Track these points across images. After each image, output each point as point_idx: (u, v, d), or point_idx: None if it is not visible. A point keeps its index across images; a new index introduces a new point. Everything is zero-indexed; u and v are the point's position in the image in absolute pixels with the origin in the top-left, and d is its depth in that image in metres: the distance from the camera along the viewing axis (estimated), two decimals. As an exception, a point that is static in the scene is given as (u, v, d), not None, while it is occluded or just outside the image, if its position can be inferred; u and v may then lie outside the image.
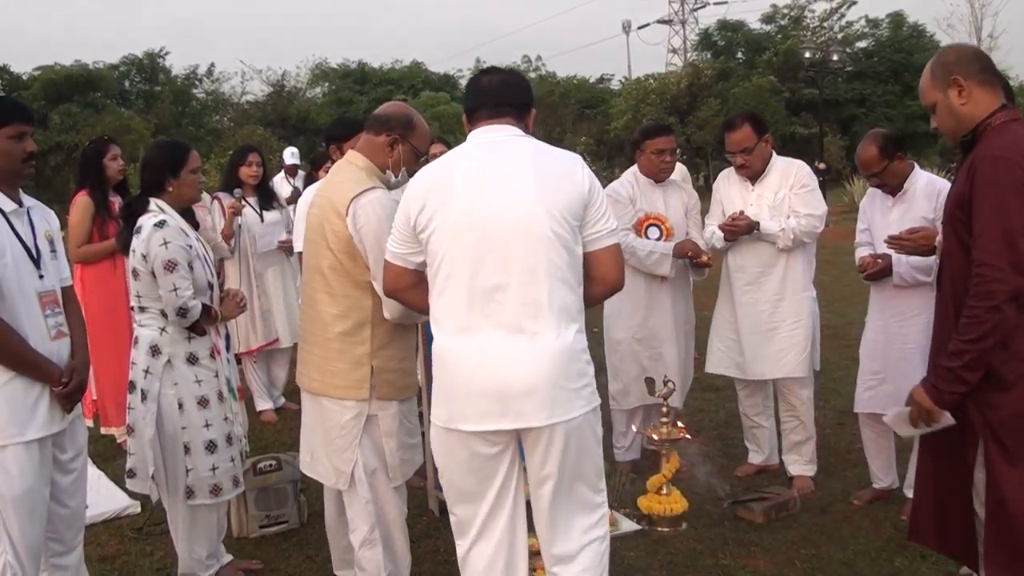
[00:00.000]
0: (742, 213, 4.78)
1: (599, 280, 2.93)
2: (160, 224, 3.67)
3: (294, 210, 6.79)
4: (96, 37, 71.55)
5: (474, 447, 2.85)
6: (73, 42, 66.79)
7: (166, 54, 38.11)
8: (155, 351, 3.69)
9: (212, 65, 40.38)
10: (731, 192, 4.96)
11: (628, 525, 4.43)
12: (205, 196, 6.46)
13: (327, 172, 4.35)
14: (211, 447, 3.74)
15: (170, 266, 3.62)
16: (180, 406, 3.70)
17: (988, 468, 2.84)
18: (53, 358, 3.17)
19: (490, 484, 2.89)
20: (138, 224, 3.74)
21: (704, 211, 5.17)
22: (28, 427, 3.08)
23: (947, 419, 2.89)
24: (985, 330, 2.74)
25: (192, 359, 3.74)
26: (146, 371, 3.68)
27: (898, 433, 3.09)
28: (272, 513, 4.58)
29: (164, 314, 3.71)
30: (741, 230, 4.75)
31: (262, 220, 6.38)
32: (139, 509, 4.82)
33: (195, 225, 5.36)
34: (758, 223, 4.72)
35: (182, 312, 3.65)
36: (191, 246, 3.74)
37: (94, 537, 4.52)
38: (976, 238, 2.77)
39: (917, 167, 4.43)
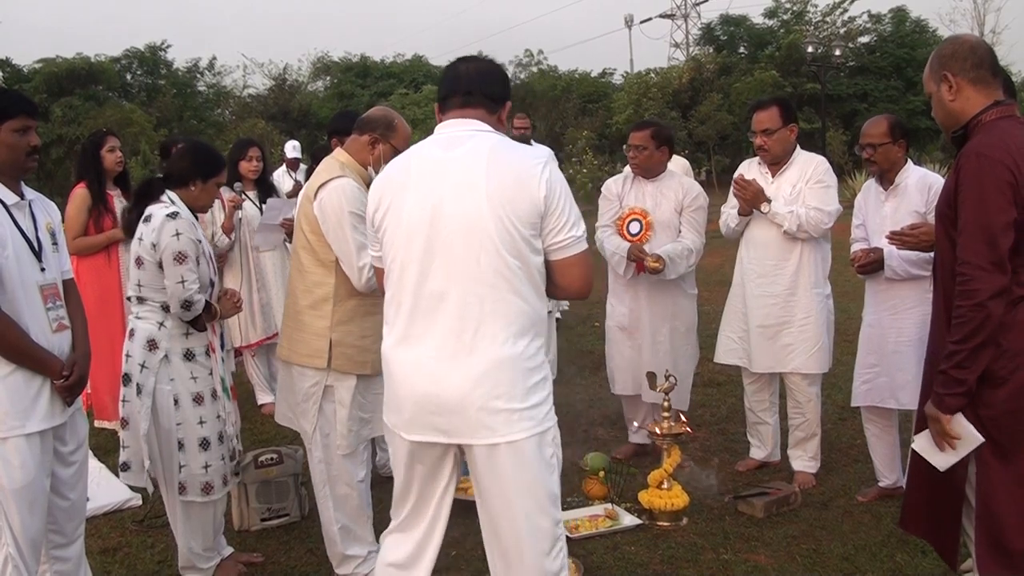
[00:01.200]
0: (754, 180, 4.80)
1: (563, 288, 2.81)
2: (173, 215, 3.69)
3: (296, 204, 6.77)
4: (98, 30, 71.37)
5: (414, 454, 2.81)
6: (75, 35, 66.73)
7: (168, 47, 37.96)
8: (152, 345, 3.70)
9: (214, 58, 40.31)
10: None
11: (629, 520, 4.44)
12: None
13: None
14: (204, 444, 3.77)
15: (180, 258, 3.64)
16: (176, 402, 3.72)
17: (979, 464, 2.86)
18: (55, 351, 3.17)
19: (423, 484, 2.85)
20: (148, 212, 3.74)
21: (714, 204, 5.17)
22: (29, 419, 3.08)
23: (971, 435, 2.81)
24: (971, 329, 2.74)
25: (189, 355, 3.76)
26: (142, 365, 3.68)
27: (933, 463, 2.94)
28: (273, 506, 4.59)
29: (164, 308, 3.72)
30: (749, 194, 4.75)
31: (262, 214, 6.36)
32: (140, 501, 4.82)
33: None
34: (768, 199, 4.73)
35: (187, 305, 3.66)
36: (200, 241, 3.76)
37: (95, 529, 4.53)
38: (959, 235, 2.79)
39: (910, 162, 4.46)
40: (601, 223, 5.34)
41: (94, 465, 5.29)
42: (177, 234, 3.65)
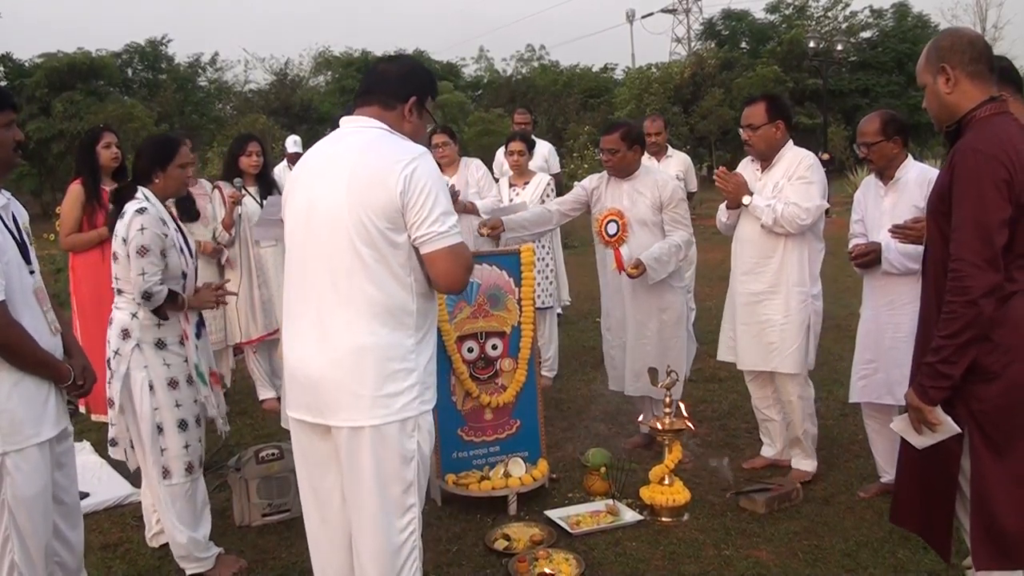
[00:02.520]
0: (737, 172, 4.84)
1: (434, 280, 2.84)
2: (141, 211, 3.87)
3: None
4: (99, 25, 71.41)
5: (305, 436, 2.92)
6: (76, 29, 66.64)
7: (169, 42, 37.98)
8: (125, 334, 3.87)
9: (216, 53, 40.37)
10: (745, 176, 4.94)
11: (630, 515, 4.43)
12: (206, 184, 6.45)
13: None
14: (183, 425, 3.92)
15: (142, 251, 3.81)
16: (151, 388, 3.86)
17: (973, 459, 2.86)
18: (55, 353, 3.12)
19: (318, 487, 2.94)
20: (124, 210, 3.93)
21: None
22: (43, 426, 3.03)
23: (949, 425, 2.85)
24: (961, 325, 2.74)
25: (160, 344, 3.92)
26: (116, 352, 3.88)
27: (910, 441, 3.03)
28: (275, 502, 4.58)
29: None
30: (731, 186, 4.77)
31: (263, 209, 6.35)
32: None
33: (195, 215, 5.43)
34: (751, 192, 4.73)
35: (146, 296, 3.82)
36: (167, 235, 3.91)
37: (96, 525, 4.53)
38: (954, 231, 2.77)
39: (910, 158, 4.44)
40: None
41: (95, 460, 5.31)
42: (142, 229, 3.82)
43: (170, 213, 4.08)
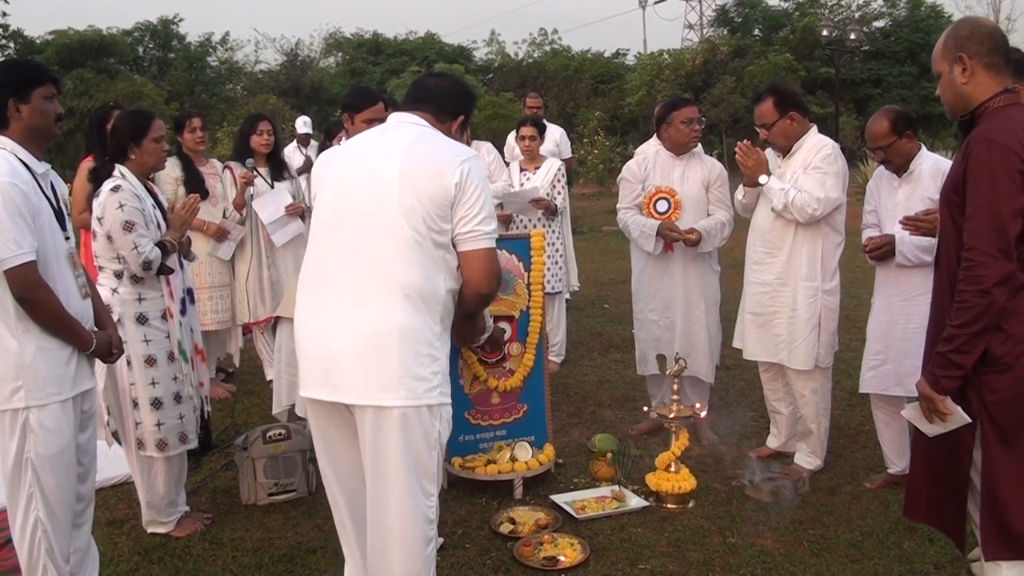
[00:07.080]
0: (759, 149, 4.78)
1: (467, 280, 2.87)
2: (115, 188, 3.92)
3: (307, 180, 6.75)
4: (110, 2, 71.13)
5: (323, 417, 2.94)
6: (87, 7, 66.42)
7: (180, 21, 38.00)
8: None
9: (226, 33, 40.34)
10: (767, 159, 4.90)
11: (636, 502, 4.43)
12: (217, 164, 6.44)
13: (340, 142, 4.39)
14: (156, 404, 3.99)
15: (128, 226, 3.87)
16: (128, 363, 3.94)
17: (984, 449, 2.86)
18: (83, 317, 3.28)
19: (338, 467, 2.98)
20: (99, 189, 4.00)
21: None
22: (65, 385, 3.20)
23: (959, 414, 2.85)
24: (974, 315, 2.74)
25: (142, 319, 3.98)
26: None
27: (920, 429, 3.03)
28: (281, 481, 4.60)
29: (117, 275, 3.96)
30: (751, 162, 4.70)
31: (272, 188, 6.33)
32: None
33: (204, 193, 5.45)
34: (769, 173, 4.68)
35: (147, 266, 3.89)
36: (144, 209, 3.97)
37: (103, 501, 4.54)
38: (967, 221, 2.78)
39: (924, 148, 4.42)
40: (622, 205, 5.32)
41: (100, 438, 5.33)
42: (121, 206, 3.88)
43: (148, 189, 4.14)
